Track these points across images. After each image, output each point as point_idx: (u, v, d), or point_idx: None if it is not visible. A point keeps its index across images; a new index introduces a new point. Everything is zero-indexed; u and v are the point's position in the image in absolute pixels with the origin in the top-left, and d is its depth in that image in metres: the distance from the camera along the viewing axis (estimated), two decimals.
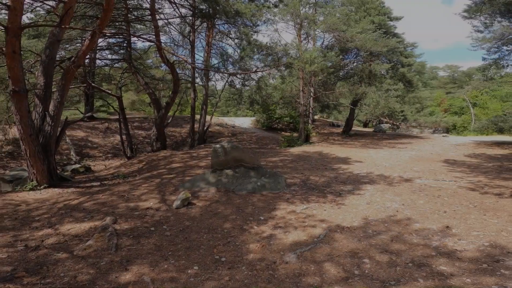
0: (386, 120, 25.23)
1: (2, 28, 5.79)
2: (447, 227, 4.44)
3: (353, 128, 21.96)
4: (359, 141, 16.47)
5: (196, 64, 14.56)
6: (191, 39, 14.80)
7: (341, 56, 16.98)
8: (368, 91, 15.62)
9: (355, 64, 18.68)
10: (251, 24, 12.95)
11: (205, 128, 16.50)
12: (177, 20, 15.07)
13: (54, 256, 3.61)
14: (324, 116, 31.73)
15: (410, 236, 4.18)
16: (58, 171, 7.89)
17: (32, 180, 6.96)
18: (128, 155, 12.92)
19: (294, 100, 19.53)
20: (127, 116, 14.69)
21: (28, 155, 6.69)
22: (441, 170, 8.62)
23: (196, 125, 16.36)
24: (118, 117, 14.09)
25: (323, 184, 6.99)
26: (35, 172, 6.86)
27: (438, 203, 5.55)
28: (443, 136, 21.60)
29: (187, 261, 3.61)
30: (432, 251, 3.73)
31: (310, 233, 4.37)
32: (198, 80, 16.21)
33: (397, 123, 26.20)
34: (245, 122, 23.36)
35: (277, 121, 21.71)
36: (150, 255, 3.75)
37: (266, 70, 12.84)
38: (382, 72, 17.13)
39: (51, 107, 7.34)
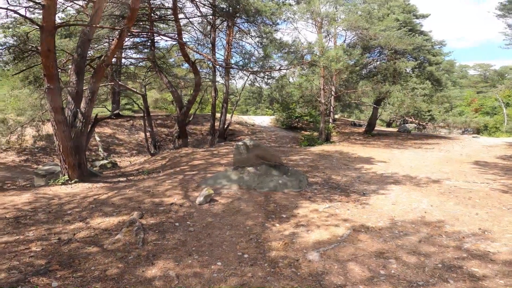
0: (411, 119, 24.39)
1: (37, 27, 6.08)
2: (480, 229, 4.25)
3: (375, 128, 21.40)
4: (382, 141, 16.03)
5: (218, 62, 14.72)
6: (211, 37, 14.97)
7: (364, 55, 16.58)
8: (392, 89, 15.16)
9: (378, 62, 18.18)
10: (271, 23, 12.93)
11: (226, 126, 16.65)
12: (198, 19, 15.29)
13: (85, 249, 3.77)
14: (345, 116, 31.14)
15: (439, 237, 4.03)
16: (87, 167, 8.24)
17: (64, 175, 7.30)
18: (152, 151, 13.28)
19: (314, 99, 19.30)
20: (150, 114, 15.10)
21: (60, 150, 7.02)
22: (471, 172, 8.23)
23: (217, 123, 16.55)
24: (142, 114, 14.51)
25: (346, 184, 6.87)
26: (67, 167, 7.20)
27: (469, 205, 5.31)
28: (473, 137, 20.60)
29: (210, 257, 3.66)
30: (464, 253, 3.58)
31: (333, 232, 4.31)
32: (219, 78, 16.39)
33: (424, 123, 25.26)
34: (264, 120, 23.36)
35: (297, 120, 21.54)
36: (175, 250, 3.83)
37: (290, 68, 12.77)
38: (407, 70, 16.56)
39: (82, 105, 7.67)
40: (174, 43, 13.92)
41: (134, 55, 17.15)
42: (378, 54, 18.19)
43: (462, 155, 11.51)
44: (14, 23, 10.43)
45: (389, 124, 29.51)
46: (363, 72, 18.83)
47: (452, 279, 3.03)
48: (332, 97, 19.03)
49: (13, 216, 4.82)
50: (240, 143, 6.96)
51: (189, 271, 3.33)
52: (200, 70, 15.18)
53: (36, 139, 13.65)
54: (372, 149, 12.96)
